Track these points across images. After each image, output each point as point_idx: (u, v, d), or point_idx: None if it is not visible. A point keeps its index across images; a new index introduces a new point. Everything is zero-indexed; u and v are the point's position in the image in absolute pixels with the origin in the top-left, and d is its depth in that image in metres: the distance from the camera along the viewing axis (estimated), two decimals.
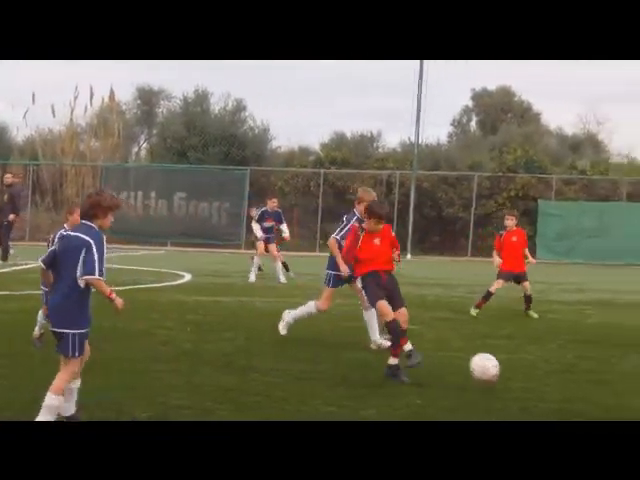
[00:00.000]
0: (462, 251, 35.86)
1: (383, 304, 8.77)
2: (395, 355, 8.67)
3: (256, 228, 19.27)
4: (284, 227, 19.36)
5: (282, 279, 18.53)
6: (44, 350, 9.43)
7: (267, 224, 19.27)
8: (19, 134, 44.42)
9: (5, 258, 21.79)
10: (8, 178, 23.47)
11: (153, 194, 38.00)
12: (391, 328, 8.75)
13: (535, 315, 13.85)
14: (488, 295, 14.08)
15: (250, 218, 22.01)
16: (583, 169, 39.04)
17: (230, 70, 54.48)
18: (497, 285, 14.17)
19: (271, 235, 19.37)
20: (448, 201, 37.34)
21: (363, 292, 9.52)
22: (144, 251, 30.21)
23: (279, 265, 18.95)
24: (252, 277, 18.79)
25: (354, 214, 10.34)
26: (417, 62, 35.83)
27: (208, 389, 7.79)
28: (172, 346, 10.08)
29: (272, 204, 19.66)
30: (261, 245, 19.23)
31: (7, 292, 14.93)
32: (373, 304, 9.05)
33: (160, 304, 13.88)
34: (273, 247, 19.20)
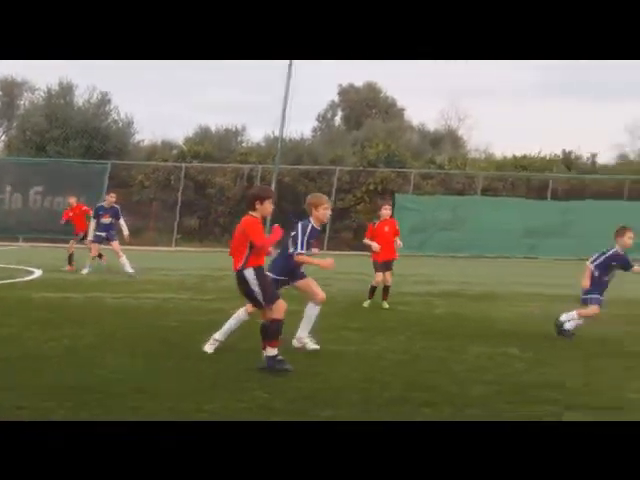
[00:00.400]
0: (319, 244, 36.14)
1: None
2: (273, 346, 8.63)
3: (92, 228, 18.85)
4: (122, 223, 18.97)
5: (130, 270, 18.18)
6: None
7: (104, 220, 18.80)
8: None
9: None
10: None
11: (8, 188, 36.99)
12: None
13: (386, 305, 14.07)
14: (372, 289, 14.38)
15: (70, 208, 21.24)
16: (441, 164, 39.92)
17: (96, 63, 53.40)
18: (378, 278, 14.30)
19: (112, 231, 18.95)
20: (308, 194, 37.63)
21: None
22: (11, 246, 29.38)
23: (124, 259, 18.51)
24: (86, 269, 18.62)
25: (308, 222, 10.11)
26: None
27: (49, 388, 7.59)
28: (15, 344, 9.79)
29: (110, 199, 19.31)
30: (95, 247, 18.80)
31: None
32: None
33: (6, 301, 13.49)
34: (115, 244, 18.86)
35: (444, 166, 39.71)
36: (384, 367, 8.90)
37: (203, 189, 38.47)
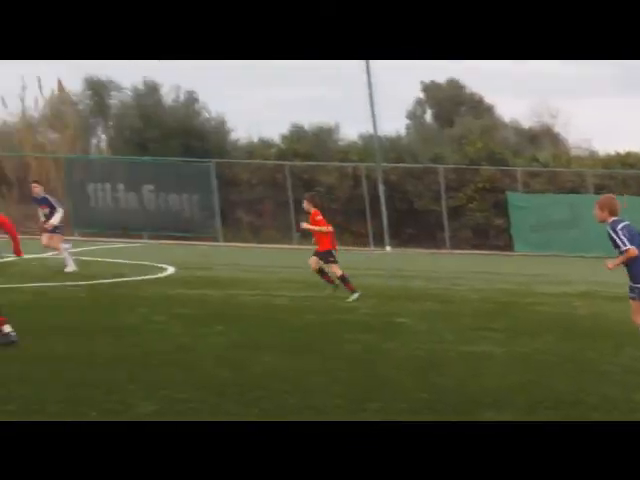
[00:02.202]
0: (440, 243, 35.87)
1: None
2: None
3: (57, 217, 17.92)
4: (55, 212, 17.92)
5: (70, 269, 17.55)
6: (32, 346, 9.33)
7: (43, 211, 18.20)
8: None
9: None
10: None
11: (121, 186, 37.66)
12: None
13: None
14: (343, 278, 14.35)
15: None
16: (545, 162, 39.25)
17: (177, 61, 53.82)
18: (336, 269, 14.44)
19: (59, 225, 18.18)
20: (417, 194, 37.37)
21: None
22: (120, 244, 29.89)
23: (65, 254, 17.91)
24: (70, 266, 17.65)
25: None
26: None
27: (210, 384, 7.70)
28: (167, 340, 9.97)
29: (35, 189, 18.35)
30: (45, 236, 18.23)
31: None
32: None
33: (147, 297, 13.77)
34: (59, 238, 18.16)
35: (549, 164, 39.05)
36: (538, 368, 8.79)
37: (311, 187, 38.56)
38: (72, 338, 9.80)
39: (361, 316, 12.43)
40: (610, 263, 9.92)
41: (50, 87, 42.23)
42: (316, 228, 14.85)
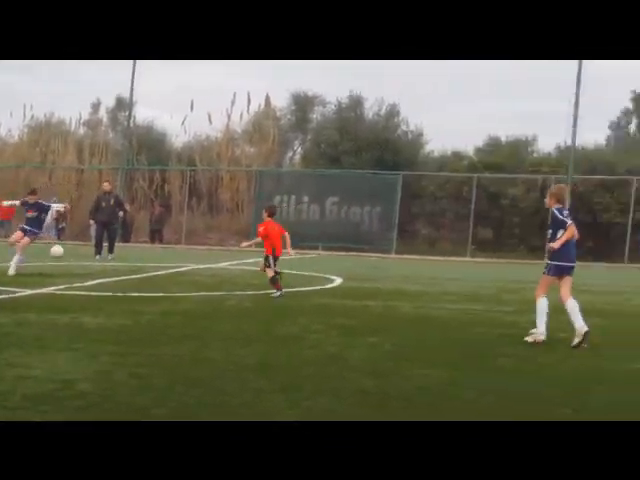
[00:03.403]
0: (618, 257, 34.84)
1: None
2: None
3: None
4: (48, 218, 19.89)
5: (12, 271, 18.10)
6: (193, 351, 9.68)
7: (28, 215, 19.17)
8: (177, 140, 45.77)
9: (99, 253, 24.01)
10: (107, 185, 25.17)
11: (306, 198, 38.38)
12: None
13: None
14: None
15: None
16: None
17: (383, 74, 54.56)
18: (270, 273, 15.72)
19: (34, 227, 19.07)
20: (605, 206, 36.34)
21: None
22: (296, 255, 30.56)
23: (17, 258, 18.52)
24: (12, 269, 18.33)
25: None
26: (574, 63, 35.00)
27: (353, 394, 7.79)
28: (319, 350, 10.14)
29: (31, 196, 19.45)
30: (17, 234, 19.21)
31: (162, 293, 15.40)
32: None
33: (309, 307, 14.09)
34: (27, 241, 18.98)
35: None
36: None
37: (496, 200, 38.18)
38: (229, 345, 10.16)
39: (522, 330, 12.23)
40: (554, 244, 11.16)
41: (257, 102, 43.67)
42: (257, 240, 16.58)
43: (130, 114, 41.75)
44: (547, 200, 11.57)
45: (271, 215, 16.42)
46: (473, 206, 36.56)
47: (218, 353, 9.68)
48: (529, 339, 11.22)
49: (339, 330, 11.63)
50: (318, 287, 17.66)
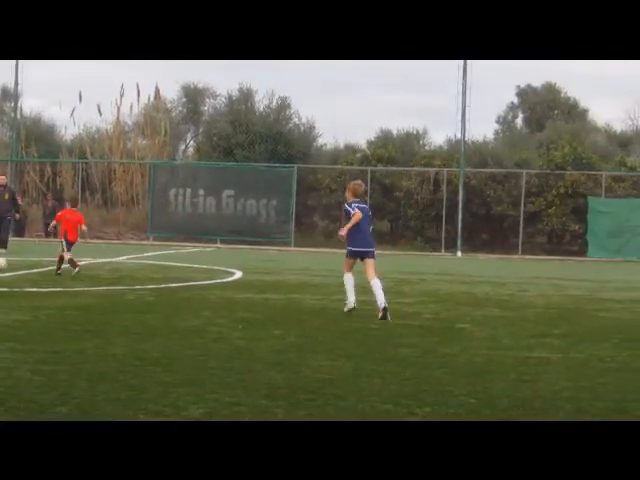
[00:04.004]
0: (513, 249, 35.66)
1: None
2: None
3: None
4: None
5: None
6: (95, 346, 9.57)
7: None
8: (67, 133, 44.94)
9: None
10: (2, 179, 24.77)
11: (201, 192, 38.16)
12: None
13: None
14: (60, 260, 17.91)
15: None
16: (632, 166, 38.63)
17: (273, 68, 54.60)
18: (66, 255, 17.84)
19: None
20: (496, 199, 37.12)
21: None
22: (195, 248, 30.40)
23: None
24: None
25: None
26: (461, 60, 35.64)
27: (261, 387, 7.81)
28: (226, 342, 10.13)
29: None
30: None
31: (60, 288, 15.16)
32: None
33: (212, 301, 14.02)
34: None
35: (637, 168, 38.42)
36: (592, 375, 8.70)
37: (390, 192, 38.61)
38: (132, 340, 10.06)
39: (422, 321, 12.45)
40: (341, 231, 13.10)
41: (147, 94, 43.14)
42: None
43: (16, 105, 40.80)
44: (347, 195, 13.40)
45: (73, 206, 19.38)
46: (368, 199, 36.88)
47: (121, 348, 9.58)
48: (345, 309, 12.98)
49: (243, 323, 11.63)
50: (219, 280, 17.62)
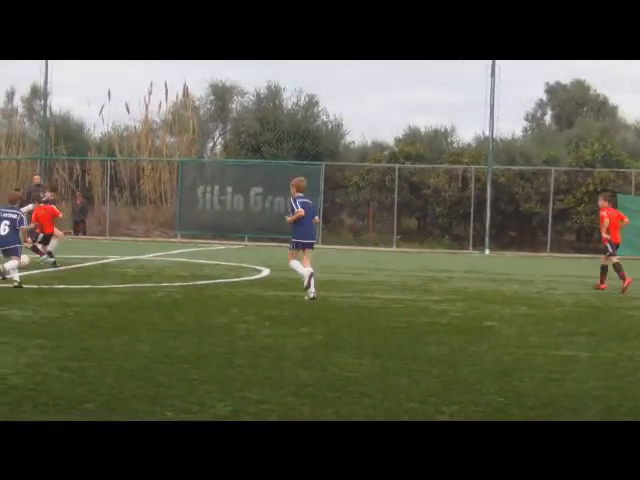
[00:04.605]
0: (541, 247, 35.44)
1: None
2: None
3: None
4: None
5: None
6: (123, 344, 9.60)
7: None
8: (96, 131, 45.09)
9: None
10: (37, 178, 25.04)
11: (229, 189, 38.15)
12: None
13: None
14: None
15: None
16: None
17: (301, 66, 54.62)
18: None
19: None
20: (525, 196, 36.87)
21: None
22: (222, 246, 30.45)
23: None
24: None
25: None
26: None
27: (288, 384, 7.81)
28: (253, 340, 10.14)
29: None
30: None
31: (88, 285, 15.22)
32: None
33: (240, 298, 14.04)
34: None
35: None
36: (621, 374, 8.63)
37: (418, 190, 38.49)
38: (160, 337, 10.10)
39: (450, 319, 12.40)
40: (288, 218, 14.79)
41: (175, 92, 43.28)
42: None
43: (46, 103, 41.02)
44: (291, 189, 15.13)
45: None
46: (396, 196, 36.80)
47: (149, 345, 9.61)
48: (309, 288, 14.18)
49: (270, 321, 11.64)
50: (246, 278, 17.63)
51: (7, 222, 15.30)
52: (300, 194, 14.96)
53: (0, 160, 42.38)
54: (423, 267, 21.31)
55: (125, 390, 7.36)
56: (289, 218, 14.76)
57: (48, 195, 20.59)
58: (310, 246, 14.76)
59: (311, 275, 14.16)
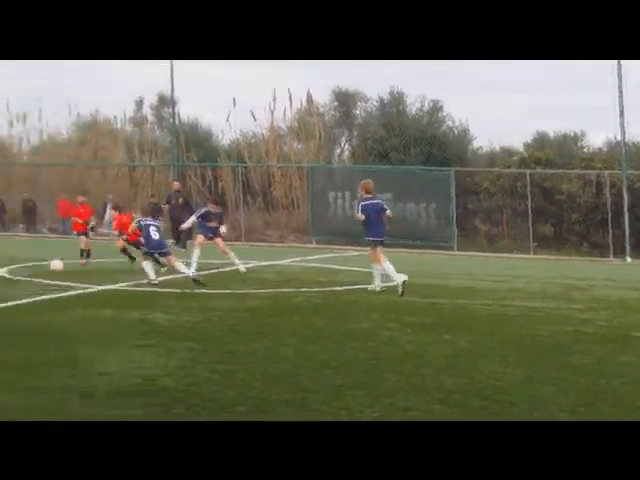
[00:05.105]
0: None
1: None
2: None
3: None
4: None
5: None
6: (266, 348, 9.69)
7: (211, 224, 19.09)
8: (224, 138, 45.79)
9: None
10: (176, 184, 25.56)
11: (360, 195, 38.14)
12: None
13: None
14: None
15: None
16: None
17: (422, 70, 54.13)
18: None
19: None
20: None
21: None
22: (355, 252, 30.43)
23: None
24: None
25: None
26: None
27: (432, 391, 7.75)
28: (395, 347, 10.11)
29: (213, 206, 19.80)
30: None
31: (228, 290, 15.44)
32: None
33: (377, 305, 14.01)
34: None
35: None
36: None
37: (551, 196, 37.77)
38: (301, 342, 10.17)
39: (595, 328, 12.09)
40: (358, 215, 16.33)
41: (299, 98, 43.65)
42: None
43: (174, 111, 41.87)
44: (361, 192, 16.62)
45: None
46: (529, 202, 36.18)
47: (291, 349, 9.70)
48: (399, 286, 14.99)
49: (411, 327, 11.57)
50: (382, 284, 17.57)
51: (154, 228, 16.45)
52: (368, 195, 16.37)
53: (135, 167, 43.49)
54: (562, 274, 20.80)
55: (272, 394, 7.44)
56: (357, 216, 16.28)
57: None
58: (379, 243, 16.03)
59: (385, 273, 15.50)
